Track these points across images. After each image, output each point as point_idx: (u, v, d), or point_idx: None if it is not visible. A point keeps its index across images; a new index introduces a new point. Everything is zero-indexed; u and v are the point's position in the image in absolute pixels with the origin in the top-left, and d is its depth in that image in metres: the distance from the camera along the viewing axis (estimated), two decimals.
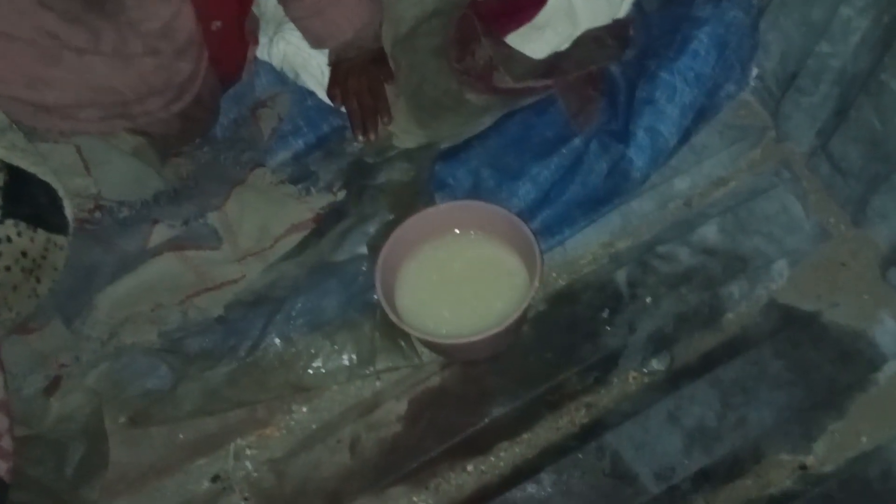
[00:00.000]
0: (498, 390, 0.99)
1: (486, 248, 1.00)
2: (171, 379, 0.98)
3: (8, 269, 0.94)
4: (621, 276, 1.02)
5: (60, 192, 0.97)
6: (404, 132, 1.12)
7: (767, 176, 1.07)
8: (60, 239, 0.98)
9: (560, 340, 1.00)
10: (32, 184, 0.96)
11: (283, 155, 1.16)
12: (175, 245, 1.04)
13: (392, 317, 0.94)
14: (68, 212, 0.97)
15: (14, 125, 1.00)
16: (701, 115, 1.04)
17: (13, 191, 0.94)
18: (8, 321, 0.97)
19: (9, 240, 0.94)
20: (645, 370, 0.99)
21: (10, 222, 0.94)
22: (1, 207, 0.95)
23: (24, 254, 0.95)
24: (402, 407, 0.99)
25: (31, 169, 0.99)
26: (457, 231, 1.01)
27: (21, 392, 0.97)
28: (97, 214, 1.04)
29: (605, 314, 1.01)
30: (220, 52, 1.11)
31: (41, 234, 0.96)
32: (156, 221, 1.05)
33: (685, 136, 1.04)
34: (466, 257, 1.01)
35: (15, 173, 0.95)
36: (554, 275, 1.05)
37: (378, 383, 1.02)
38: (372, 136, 1.13)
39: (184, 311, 1.02)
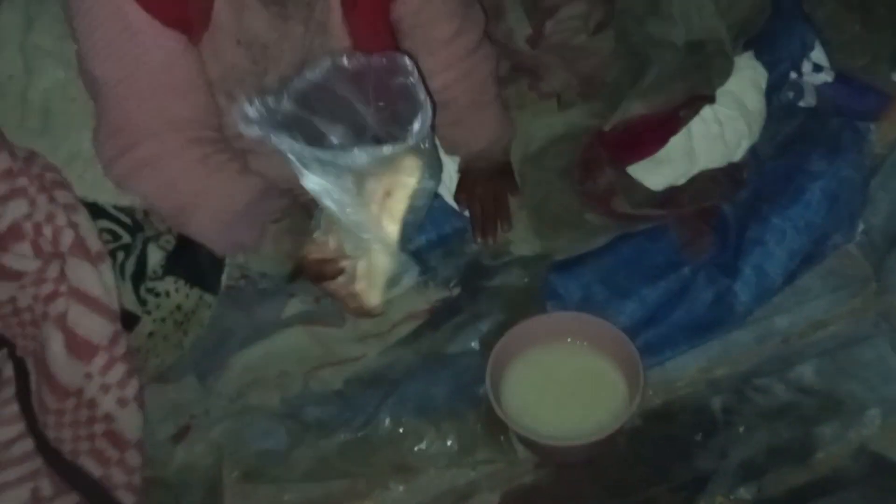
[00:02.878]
0: (589, 496, 1.03)
1: (592, 359, 1.07)
2: (287, 442, 1.06)
3: (163, 320, 1.05)
4: (717, 403, 1.07)
5: (227, 259, 1.08)
6: (522, 241, 1.22)
7: (867, 325, 1.11)
8: (210, 298, 1.09)
9: (653, 456, 1.05)
10: (203, 248, 1.07)
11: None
12: (305, 319, 1.14)
13: (497, 410, 1.01)
14: (223, 276, 1.09)
15: None
16: (807, 260, 1.10)
17: (179, 252, 1.06)
18: (153, 368, 1.07)
19: (167, 294, 1.06)
20: (732, 496, 1.02)
21: (170, 279, 1.06)
22: (163, 266, 1.07)
23: (178, 307, 1.06)
24: (494, 499, 1.04)
25: None
26: (567, 340, 1.08)
27: (153, 436, 1.06)
28: (241, 282, 1.15)
29: (698, 437, 1.05)
30: None
31: (195, 292, 1.07)
32: (291, 295, 1.16)
33: (790, 278, 1.11)
34: (572, 366, 1.07)
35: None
36: (651, 393, 1.10)
37: (473, 473, 1.07)
38: (491, 241, 1.23)
39: (306, 380, 1.11)
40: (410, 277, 1.05)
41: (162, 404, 1.08)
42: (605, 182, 1.16)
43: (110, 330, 1.02)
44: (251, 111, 0.93)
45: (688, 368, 1.11)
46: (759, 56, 1.24)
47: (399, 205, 0.98)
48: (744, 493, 1.02)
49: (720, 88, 1.18)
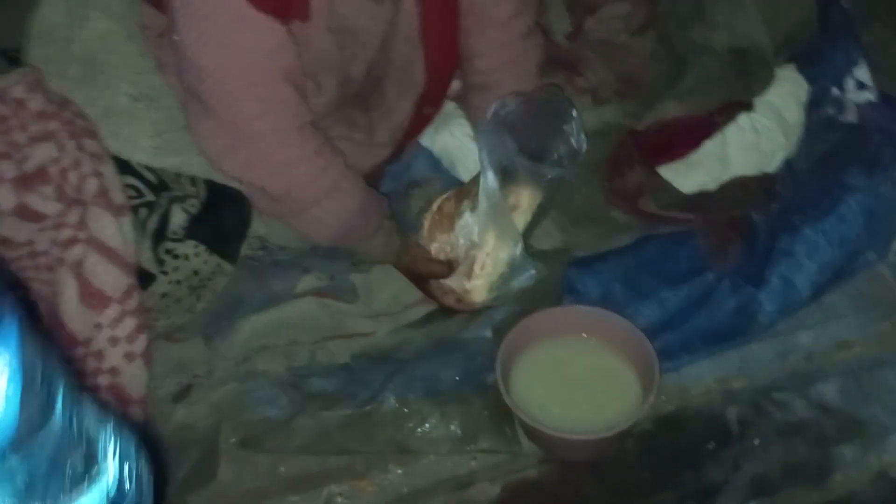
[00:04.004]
0: (591, 497, 1.00)
1: (606, 356, 1.04)
2: (288, 411, 1.04)
3: (178, 282, 1.05)
4: (732, 413, 1.04)
5: (251, 230, 1.08)
6: (544, 234, 1.20)
7: (893, 349, 1.08)
8: (227, 266, 1.08)
9: (661, 462, 1.01)
10: (228, 215, 1.07)
11: None
12: (318, 292, 1.13)
13: (505, 397, 0.98)
14: (243, 246, 1.08)
15: None
16: (837, 275, 1.07)
17: (203, 216, 1.05)
18: (160, 328, 1.07)
19: (186, 257, 1.05)
20: None
21: (190, 242, 1.06)
22: (185, 229, 1.07)
23: (195, 272, 1.05)
24: (495, 490, 1.01)
25: None
26: (582, 335, 1.06)
27: (155, 393, 1.05)
28: (260, 253, 1.14)
29: (710, 446, 1.02)
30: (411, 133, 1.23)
31: (214, 259, 1.07)
32: (306, 271, 1.15)
33: (817, 293, 1.07)
34: (585, 361, 1.05)
35: (215, 201, 1.07)
36: (664, 398, 1.07)
37: (474, 463, 1.05)
38: None
39: (314, 351, 1.09)
40: (526, 279, 1.11)
41: (165, 361, 1.07)
42: (633, 180, 1.14)
43: (125, 283, 1.02)
44: (504, 110, 1.08)
45: (704, 377, 1.08)
46: (802, 69, 1.22)
47: (526, 213, 1.12)
48: None
49: (760, 98, 1.17)
